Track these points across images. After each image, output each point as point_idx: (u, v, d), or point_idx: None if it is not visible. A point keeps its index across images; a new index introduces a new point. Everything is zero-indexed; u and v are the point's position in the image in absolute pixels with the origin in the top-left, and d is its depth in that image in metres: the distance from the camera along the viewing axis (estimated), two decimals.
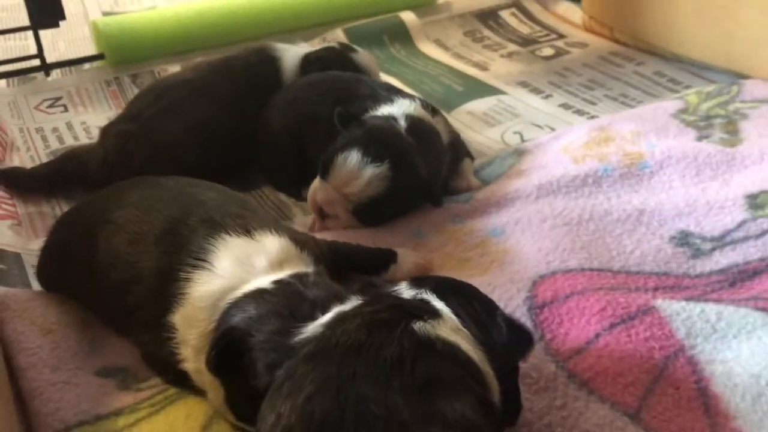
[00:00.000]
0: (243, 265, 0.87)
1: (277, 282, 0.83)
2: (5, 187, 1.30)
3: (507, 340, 0.74)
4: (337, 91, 1.31)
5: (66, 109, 1.61)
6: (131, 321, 0.93)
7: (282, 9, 1.85)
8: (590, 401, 0.84)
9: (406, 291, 0.77)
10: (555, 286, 0.98)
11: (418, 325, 0.69)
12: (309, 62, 1.43)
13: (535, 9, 2.07)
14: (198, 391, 0.85)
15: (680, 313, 0.93)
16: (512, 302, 0.96)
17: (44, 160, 1.44)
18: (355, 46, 1.55)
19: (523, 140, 1.46)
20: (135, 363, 0.91)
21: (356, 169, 1.10)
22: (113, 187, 1.06)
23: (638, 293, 0.98)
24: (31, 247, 1.19)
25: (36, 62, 1.69)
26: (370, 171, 1.10)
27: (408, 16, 1.93)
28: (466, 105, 1.61)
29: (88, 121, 1.57)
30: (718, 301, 0.96)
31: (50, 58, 1.73)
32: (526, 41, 1.93)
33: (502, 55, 1.86)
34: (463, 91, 1.68)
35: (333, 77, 1.37)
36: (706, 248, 1.06)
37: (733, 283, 1.01)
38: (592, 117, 1.54)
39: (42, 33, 1.67)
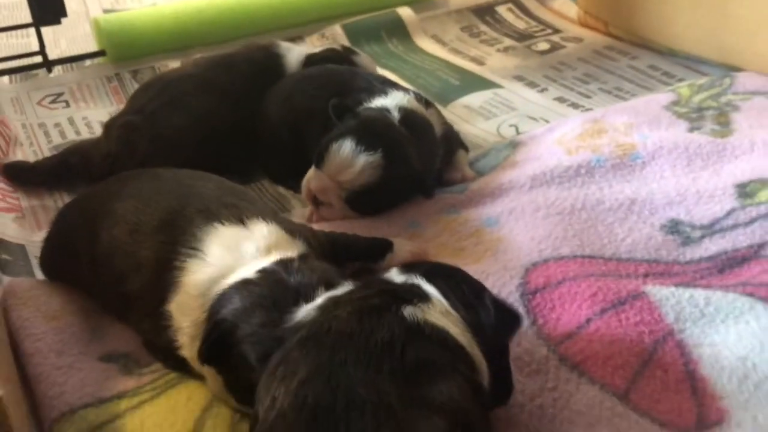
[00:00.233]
0: (232, 252, 0.89)
1: (261, 271, 0.84)
2: (9, 181, 1.33)
3: (495, 320, 0.75)
4: (333, 85, 1.34)
5: (68, 105, 1.63)
6: (131, 309, 0.95)
7: (280, 6, 1.87)
8: (581, 383, 0.86)
9: (396, 276, 0.79)
10: (547, 273, 1.00)
11: (408, 311, 0.71)
12: (311, 63, 1.45)
13: (532, 4, 2.09)
14: (198, 376, 0.87)
15: (669, 299, 0.95)
16: (505, 289, 0.98)
17: (47, 154, 1.46)
18: (355, 49, 1.57)
19: (518, 133, 1.48)
20: (137, 349, 0.93)
21: (349, 157, 1.13)
22: (113, 179, 1.09)
23: (629, 279, 1.00)
24: (34, 238, 1.21)
25: (38, 59, 1.71)
26: (363, 159, 1.12)
27: (405, 12, 1.95)
28: (463, 99, 1.64)
29: (89, 117, 1.59)
30: (707, 286, 0.98)
31: (52, 55, 1.75)
32: (522, 36, 1.95)
33: (498, 50, 1.88)
34: (460, 85, 1.70)
35: (329, 71, 1.39)
36: (696, 236, 1.08)
37: (722, 269, 1.03)
38: (587, 110, 1.56)
39: (44, 30, 1.69)
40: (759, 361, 0.86)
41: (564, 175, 1.22)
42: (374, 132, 1.14)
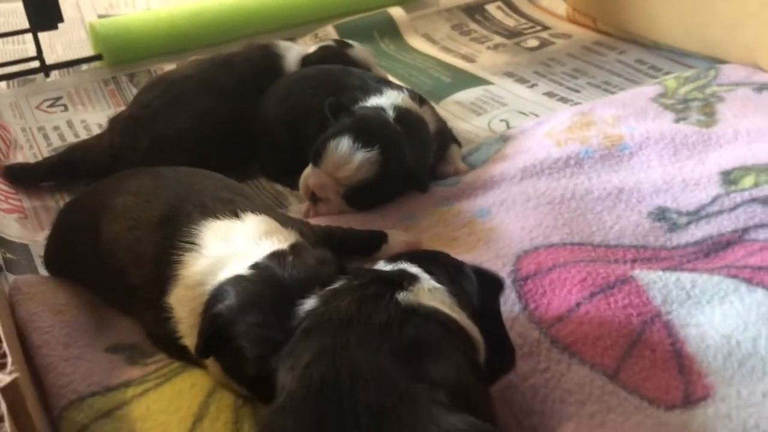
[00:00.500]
0: (225, 242, 0.91)
1: (254, 266, 0.86)
2: (12, 183, 1.35)
3: (478, 286, 0.79)
4: (328, 84, 1.36)
5: (66, 109, 1.66)
6: (134, 302, 0.98)
7: (274, 8, 1.90)
8: (572, 364, 0.89)
9: (385, 266, 0.83)
10: (538, 260, 1.03)
11: (402, 295, 0.75)
12: (308, 63, 1.48)
13: (521, 2, 2.12)
14: (199, 364, 0.90)
15: (657, 282, 0.98)
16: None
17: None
18: (350, 41, 1.59)
19: (509, 127, 1.51)
20: (141, 340, 0.96)
21: (347, 154, 1.16)
22: (113, 177, 1.12)
23: (617, 264, 1.03)
24: (37, 238, 1.24)
25: (35, 64, 1.74)
26: (361, 156, 1.16)
27: (396, 12, 1.99)
28: (455, 95, 1.67)
29: (88, 119, 1.62)
30: (693, 270, 1.01)
31: (49, 60, 1.78)
32: (511, 34, 1.99)
33: (488, 48, 1.92)
34: (451, 83, 1.73)
35: (324, 71, 1.42)
36: (682, 222, 1.12)
37: (708, 253, 1.06)
38: (576, 104, 1.59)
39: (40, 36, 1.72)
40: (742, 339, 0.89)
41: (553, 166, 1.25)
42: (370, 129, 1.17)
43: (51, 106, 1.66)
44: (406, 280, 0.77)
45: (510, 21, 2.05)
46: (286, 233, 0.94)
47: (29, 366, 0.90)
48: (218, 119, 1.37)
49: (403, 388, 0.64)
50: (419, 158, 1.22)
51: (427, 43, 1.94)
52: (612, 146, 1.29)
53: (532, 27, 2.02)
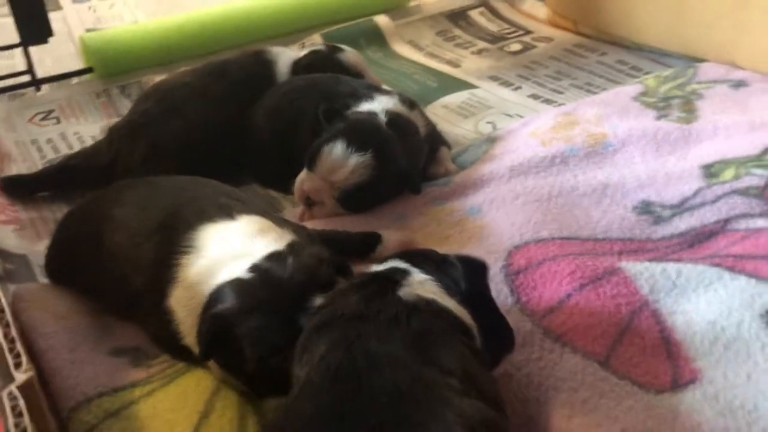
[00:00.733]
0: (221, 243, 0.93)
1: (253, 269, 0.87)
2: (9, 195, 1.37)
3: (464, 272, 0.83)
4: (318, 93, 1.38)
5: (59, 121, 1.68)
6: (136, 307, 1.00)
7: (261, 17, 1.93)
8: (564, 352, 0.92)
9: (378, 267, 0.86)
10: (528, 255, 1.06)
11: (402, 291, 0.78)
12: (298, 68, 1.50)
13: (503, 7, 2.16)
14: (202, 364, 0.92)
15: (643, 273, 1.01)
16: (490, 271, 1.04)
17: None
18: (340, 46, 1.61)
19: (495, 129, 1.55)
20: (145, 343, 0.99)
21: (341, 158, 1.19)
22: (112, 187, 1.14)
23: (605, 257, 1.06)
24: (36, 248, 1.26)
25: (26, 78, 1.76)
26: (355, 159, 1.19)
27: (382, 20, 2.02)
28: (442, 100, 1.70)
29: (81, 131, 1.63)
30: (678, 260, 1.05)
31: (39, 74, 1.79)
32: (494, 38, 2.03)
33: (472, 52, 1.95)
34: (438, 87, 1.77)
35: (314, 80, 1.44)
36: (667, 215, 1.15)
37: (692, 244, 1.10)
38: (560, 105, 1.63)
39: (29, 50, 1.73)
40: (727, 325, 0.92)
41: (540, 164, 1.29)
42: (364, 134, 1.20)
43: (43, 119, 1.68)
44: (399, 276, 0.80)
45: (493, 26, 2.09)
46: (281, 231, 0.96)
47: (36, 371, 0.91)
48: (213, 126, 1.39)
49: (417, 373, 0.67)
50: (411, 160, 1.25)
51: (413, 50, 1.97)
52: (596, 144, 1.33)
53: (514, 31, 2.06)
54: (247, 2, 1.96)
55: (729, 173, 1.20)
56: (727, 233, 1.10)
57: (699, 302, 0.96)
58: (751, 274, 0.99)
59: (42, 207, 1.40)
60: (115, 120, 1.59)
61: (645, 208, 1.17)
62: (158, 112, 1.38)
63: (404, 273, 0.81)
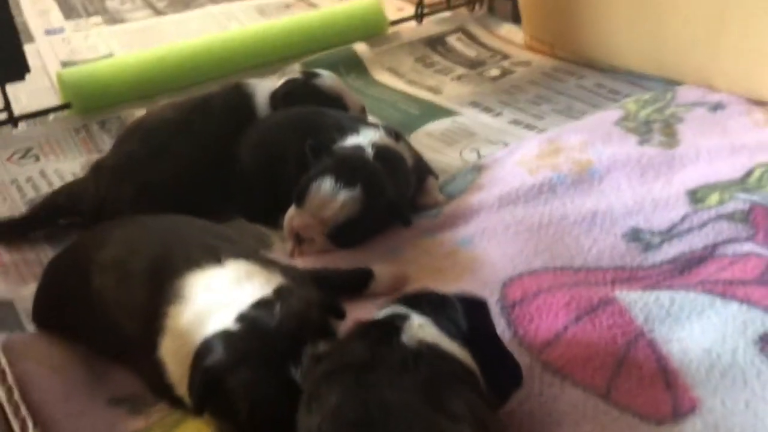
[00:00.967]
0: (208, 291, 0.92)
1: (241, 319, 0.85)
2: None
3: (464, 311, 0.83)
4: (302, 128, 1.37)
5: (38, 159, 1.65)
6: (129, 354, 0.99)
7: (240, 48, 1.93)
8: (564, 386, 0.92)
9: (378, 314, 0.86)
10: (523, 287, 1.07)
11: (405, 336, 0.78)
12: (276, 99, 1.49)
13: (480, 33, 2.19)
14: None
15: (637, 302, 1.02)
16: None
17: (22, 209, 1.48)
18: (317, 70, 1.60)
19: (480, 156, 1.56)
20: (141, 390, 0.97)
21: (330, 194, 1.18)
22: (99, 228, 1.13)
23: (599, 287, 1.07)
24: (21, 293, 1.23)
25: (3, 116, 1.73)
26: (344, 195, 1.18)
27: (361, 48, 2.03)
28: (424, 127, 1.71)
29: (61, 169, 1.61)
30: (670, 287, 1.06)
31: (14, 110, 1.77)
32: (473, 64, 2.04)
33: (452, 79, 1.97)
34: (420, 115, 1.77)
35: (297, 115, 1.43)
36: (656, 241, 1.17)
37: (682, 270, 1.11)
38: (542, 131, 1.65)
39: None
40: (722, 352, 0.94)
41: (528, 193, 1.30)
42: (351, 168, 1.20)
43: (22, 157, 1.65)
44: (399, 322, 0.81)
45: (471, 51, 2.11)
46: (268, 275, 0.94)
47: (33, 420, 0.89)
48: (199, 163, 1.38)
49: (431, 422, 0.67)
50: (400, 193, 1.25)
51: (393, 77, 1.98)
52: (582, 171, 1.34)
53: (492, 56, 2.08)
54: (226, 33, 1.96)
55: (714, 198, 1.23)
56: (716, 258, 1.12)
57: (693, 330, 0.98)
58: (742, 300, 1.01)
59: (25, 249, 1.37)
60: (96, 156, 1.57)
61: (634, 235, 1.18)
62: (144, 154, 1.37)
63: (403, 318, 0.81)
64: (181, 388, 0.88)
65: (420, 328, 0.79)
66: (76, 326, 1.05)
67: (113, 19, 2.52)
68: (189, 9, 2.59)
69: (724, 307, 1.00)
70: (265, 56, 1.94)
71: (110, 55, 2.17)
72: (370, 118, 1.60)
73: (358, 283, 1.13)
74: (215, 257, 0.95)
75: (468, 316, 0.83)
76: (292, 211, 1.23)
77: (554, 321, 1.00)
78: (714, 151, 1.36)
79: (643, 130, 1.48)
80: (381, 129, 1.34)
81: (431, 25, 2.22)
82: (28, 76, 1.74)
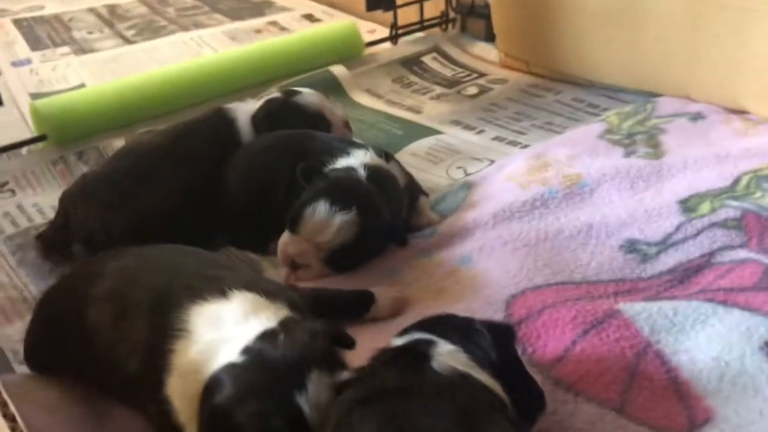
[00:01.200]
0: (213, 326, 0.89)
1: (246, 351, 0.83)
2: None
3: (491, 338, 0.82)
4: (291, 152, 1.35)
5: (14, 193, 1.61)
6: (133, 392, 0.95)
7: (217, 73, 1.91)
8: (578, 402, 0.91)
9: (398, 340, 0.84)
10: (527, 303, 1.06)
11: (435, 363, 0.77)
12: (257, 121, 1.47)
13: (454, 52, 2.20)
14: None
15: (641, 313, 1.02)
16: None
17: (1, 246, 1.44)
18: (297, 89, 1.58)
19: (466, 173, 1.56)
20: (146, 428, 0.93)
21: (325, 218, 1.17)
22: (93, 260, 1.09)
23: (601, 300, 1.07)
24: (6, 333, 1.19)
25: None
26: (339, 218, 1.17)
27: (338, 70, 2.02)
28: (408, 147, 1.71)
29: (40, 203, 1.57)
30: (671, 298, 1.07)
31: None
32: (450, 83, 2.05)
33: (431, 98, 1.97)
34: (403, 134, 1.77)
35: (285, 138, 1.41)
36: (653, 252, 1.17)
37: (682, 280, 1.12)
38: (525, 146, 1.66)
39: None
40: (730, 360, 0.94)
41: (522, 209, 1.30)
42: (346, 191, 1.19)
43: None
44: (426, 348, 0.79)
45: (447, 71, 2.12)
46: (275, 308, 0.92)
47: None
48: (187, 190, 1.36)
49: None
50: (395, 213, 1.24)
51: (372, 98, 1.98)
52: (572, 185, 1.35)
53: (468, 75, 2.09)
54: (203, 58, 1.93)
55: (705, 207, 1.24)
56: (713, 267, 1.13)
57: (699, 339, 0.98)
58: (743, 307, 1.01)
59: (6, 286, 1.33)
60: None
61: (631, 247, 1.19)
62: (133, 183, 1.34)
63: (429, 344, 0.79)
64: (191, 428, 0.85)
65: (450, 355, 0.77)
66: (72, 366, 1.01)
67: (82, 49, 2.49)
68: (159, 36, 2.57)
69: (727, 314, 1.00)
70: (244, 81, 1.92)
71: (82, 85, 2.14)
72: (354, 140, 1.59)
73: (360, 308, 1.11)
74: (219, 289, 0.93)
75: (496, 344, 0.81)
76: (285, 236, 1.21)
77: (562, 336, 1.00)
78: (700, 160, 1.37)
79: (627, 143, 1.50)
80: (371, 150, 1.32)
81: (406, 46, 2.23)
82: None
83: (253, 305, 0.91)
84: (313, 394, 0.79)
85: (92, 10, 2.86)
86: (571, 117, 1.79)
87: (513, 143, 1.70)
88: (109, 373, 0.95)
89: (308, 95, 1.54)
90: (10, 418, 0.70)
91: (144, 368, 0.92)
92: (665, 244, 1.18)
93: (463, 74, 2.10)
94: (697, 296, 1.06)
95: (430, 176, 1.57)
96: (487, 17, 2.13)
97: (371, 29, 2.39)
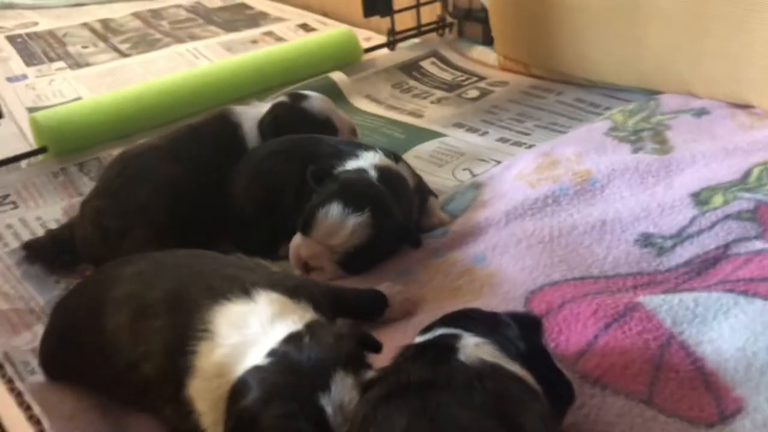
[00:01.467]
0: (239, 329, 0.88)
1: (272, 354, 0.83)
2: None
3: (519, 330, 0.80)
4: (299, 156, 1.34)
5: (16, 206, 1.59)
6: (149, 397, 0.93)
7: (217, 82, 1.90)
8: (605, 395, 0.90)
9: (421, 337, 0.82)
10: (546, 299, 1.05)
11: (462, 355, 0.75)
12: (264, 126, 1.46)
13: (453, 56, 2.20)
14: None
15: (662, 305, 1.01)
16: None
17: (5, 259, 1.41)
18: (304, 92, 1.57)
19: (473, 175, 1.55)
20: None
21: (339, 220, 1.15)
22: (108, 265, 1.08)
23: (621, 293, 1.06)
24: (15, 344, 1.17)
25: None
26: (353, 220, 1.15)
27: (338, 76, 2.01)
28: (412, 150, 1.70)
29: (42, 216, 1.54)
30: (691, 289, 1.06)
31: None
32: (450, 87, 2.05)
33: (432, 102, 1.97)
34: (406, 138, 1.76)
35: (292, 143, 1.39)
36: (668, 245, 1.17)
37: (699, 272, 1.11)
38: (530, 146, 1.65)
39: None
40: (757, 349, 0.93)
41: (534, 207, 1.29)
42: (358, 193, 1.18)
43: None
44: (453, 341, 0.77)
45: (446, 75, 2.12)
46: (300, 310, 0.91)
47: None
48: (184, 186, 1.33)
49: None
50: (406, 215, 1.23)
51: (373, 104, 1.97)
52: (583, 182, 1.34)
53: (468, 78, 2.09)
54: (202, 68, 1.92)
55: (718, 199, 1.23)
56: (730, 258, 1.12)
57: (722, 330, 0.97)
58: (765, 297, 1.00)
59: (12, 298, 1.30)
60: (77, 200, 1.51)
61: (646, 241, 1.18)
62: (122, 184, 1.33)
63: (455, 337, 0.78)
64: (213, 430, 0.83)
65: (477, 347, 0.76)
66: (89, 373, 0.99)
67: (77, 63, 2.47)
68: (154, 49, 2.56)
69: (749, 304, 0.99)
70: (244, 89, 1.91)
71: (79, 99, 2.12)
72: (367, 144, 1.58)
73: (373, 311, 1.10)
74: (241, 288, 0.91)
75: (523, 335, 0.80)
76: (298, 239, 1.20)
77: (584, 331, 0.98)
78: (709, 154, 1.37)
79: (634, 139, 1.49)
80: (380, 151, 1.31)
81: (404, 52, 2.23)
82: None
83: (279, 307, 0.90)
84: (336, 395, 0.78)
85: (86, 25, 2.85)
86: (574, 117, 1.79)
87: (518, 144, 1.69)
88: (123, 378, 0.94)
89: (316, 99, 1.53)
90: (36, 422, 0.69)
91: (162, 369, 0.90)
92: (680, 236, 1.18)
93: (462, 78, 2.09)
94: (717, 287, 1.05)
95: (437, 178, 1.56)
96: (484, 21, 2.13)
97: (367, 37, 2.39)
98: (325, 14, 2.76)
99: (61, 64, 2.47)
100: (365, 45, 2.26)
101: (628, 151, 1.45)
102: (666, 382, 0.91)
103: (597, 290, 1.07)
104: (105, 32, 2.77)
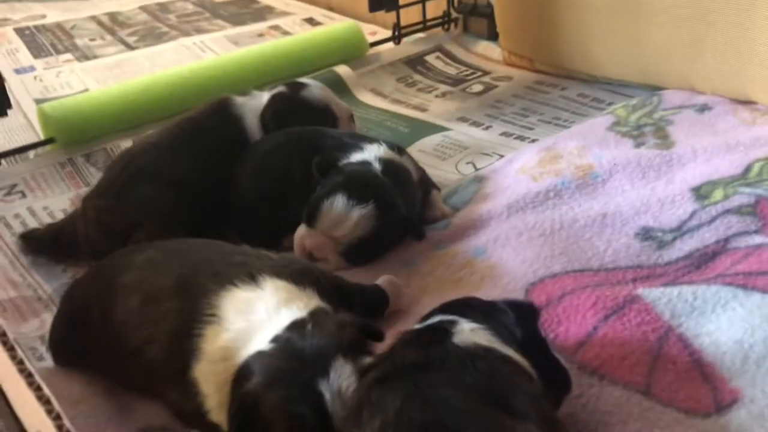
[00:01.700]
0: (245, 314, 0.90)
1: (275, 340, 0.85)
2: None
3: (515, 316, 0.82)
4: (303, 149, 1.35)
5: (24, 195, 1.60)
6: (154, 380, 0.95)
7: (223, 74, 1.91)
8: (603, 386, 0.91)
9: (420, 325, 0.84)
10: (546, 290, 1.06)
11: (457, 339, 0.76)
12: (266, 119, 1.47)
13: (458, 51, 2.21)
14: None
15: (661, 298, 1.02)
16: None
17: (12, 247, 1.43)
18: (304, 80, 1.58)
19: (476, 168, 1.56)
20: (170, 422, 0.93)
21: (343, 212, 1.17)
22: (116, 254, 1.09)
23: (621, 286, 1.07)
24: (23, 331, 1.19)
25: None
26: (357, 212, 1.17)
27: (343, 70, 2.03)
28: (416, 144, 1.71)
29: (50, 206, 1.56)
30: (690, 283, 1.07)
31: None
32: (455, 81, 2.06)
33: (437, 96, 1.98)
34: (410, 132, 1.78)
35: (296, 136, 1.40)
36: (668, 239, 1.18)
37: (698, 266, 1.12)
38: (533, 141, 1.66)
39: None
40: (754, 342, 0.94)
41: (535, 200, 1.30)
42: (363, 184, 1.19)
43: (7, 194, 1.60)
44: (449, 326, 0.79)
45: (451, 69, 2.13)
46: (305, 298, 0.93)
47: None
48: (187, 179, 1.35)
49: (501, 421, 0.65)
50: (410, 206, 1.24)
51: (378, 98, 1.98)
52: (585, 175, 1.35)
53: (472, 73, 2.10)
54: (209, 60, 1.93)
55: (718, 194, 1.24)
56: (730, 252, 1.13)
57: (720, 322, 0.98)
58: (763, 291, 1.01)
59: (20, 286, 1.32)
60: (84, 190, 1.53)
61: (646, 234, 1.19)
62: (124, 181, 1.34)
63: (452, 323, 0.79)
64: (220, 414, 0.85)
65: (473, 332, 0.77)
66: (97, 358, 1.01)
67: (84, 55, 2.49)
68: (161, 42, 2.57)
69: (747, 298, 1.00)
70: (250, 81, 1.91)
71: (86, 91, 2.14)
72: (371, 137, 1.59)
73: (375, 309, 1.10)
74: (248, 274, 0.93)
75: (520, 323, 0.81)
76: (302, 230, 1.21)
77: (583, 322, 1.00)
78: (710, 149, 1.38)
79: (636, 134, 1.50)
80: (384, 144, 1.33)
81: (409, 46, 2.24)
82: None
83: (285, 294, 0.92)
84: (334, 381, 0.80)
85: (93, 18, 2.87)
86: (578, 112, 1.80)
87: (521, 138, 1.71)
88: (130, 362, 0.96)
89: (314, 88, 1.54)
90: (45, 401, 0.70)
91: (168, 352, 0.92)
92: (680, 230, 1.19)
93: (467, 72, 2.10)
94: (716, 281, 1.06)
95: (440, 171, 1.57)
96: (490, 16, 2.15)
97: (372, 31, 2.40)
98: (330, 8, 2.77)
99: (68, 56, 2.49)
100: (370, 39, 2.27)
101: (631, 146, 1.46)
102: (664, 373, 0.93)
103: (597, 282, 1.08)
104: (112, 25, 2.78)
